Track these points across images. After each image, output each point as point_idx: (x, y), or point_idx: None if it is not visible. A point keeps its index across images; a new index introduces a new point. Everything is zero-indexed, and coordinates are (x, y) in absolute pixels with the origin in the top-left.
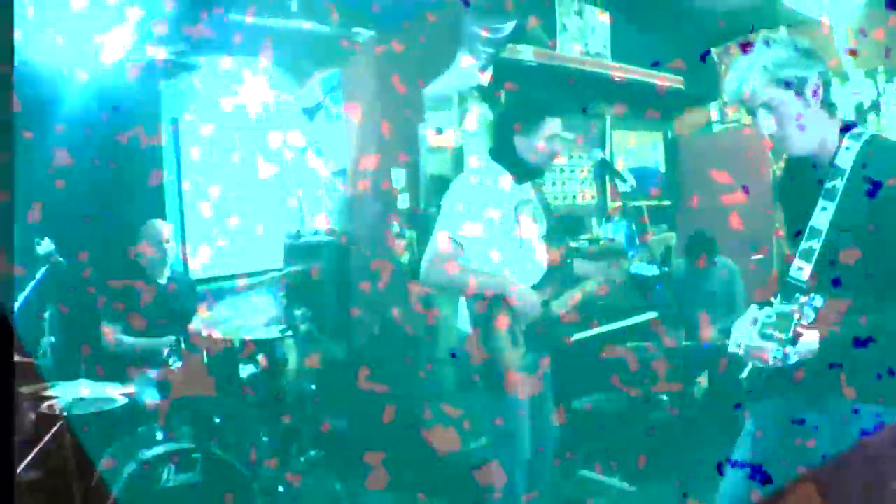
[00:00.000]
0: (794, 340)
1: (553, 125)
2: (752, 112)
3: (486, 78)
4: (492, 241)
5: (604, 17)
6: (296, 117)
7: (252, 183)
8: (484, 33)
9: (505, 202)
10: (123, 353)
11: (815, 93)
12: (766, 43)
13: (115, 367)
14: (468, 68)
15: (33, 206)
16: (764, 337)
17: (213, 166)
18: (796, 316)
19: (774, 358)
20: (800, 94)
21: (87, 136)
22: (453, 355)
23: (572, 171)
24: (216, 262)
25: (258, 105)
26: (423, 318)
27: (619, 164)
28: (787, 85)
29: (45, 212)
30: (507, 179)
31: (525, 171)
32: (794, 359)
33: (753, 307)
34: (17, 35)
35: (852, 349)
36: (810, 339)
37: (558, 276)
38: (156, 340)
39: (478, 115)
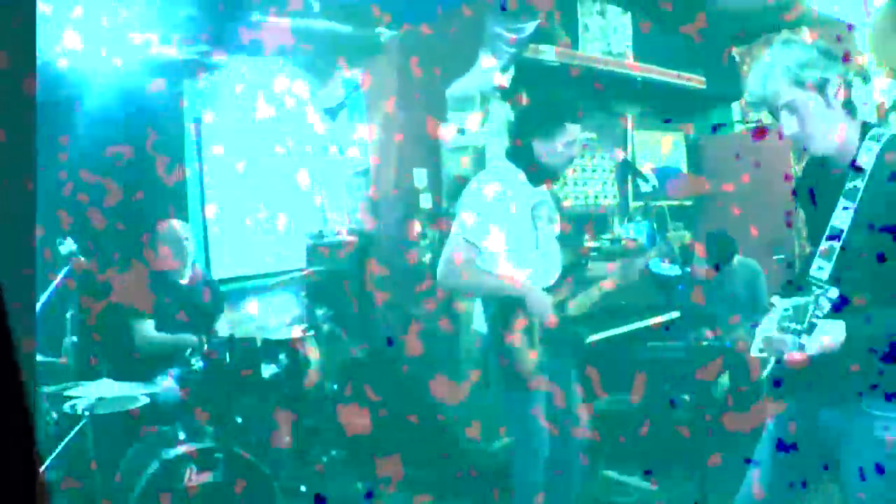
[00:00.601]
0: (809, 330)
1: (573, 131)
2: (774, 113)
3: (506, 78)
4: (507, 242)
5: (626, 18)
6: (318, 117)
7: (274, 182)
8: (506, 33)
9: (520, 204)
10: (153, 351)
11: (836, 93)
12: (788, 44)
13: (137, 366)
14: (490, 68)
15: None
16: (782, 330)
17: (235, 166)
18: (811, 307)
19: (791, 349)
20: (821, 94)
21: (108, 136)
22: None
23: (594, 171)
24: (238, 262)
25: (281, 104)
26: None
27: (646, 167)
28: (809, 86)
29: (67, 211)
30: (522, 181)
31: (542, 174)
32: (811, 350)
33: (775, 300)
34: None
35: (873, 350)
36: (829, 330)
37: (573, 277)
38: (187, 336)
39: (500, 116)
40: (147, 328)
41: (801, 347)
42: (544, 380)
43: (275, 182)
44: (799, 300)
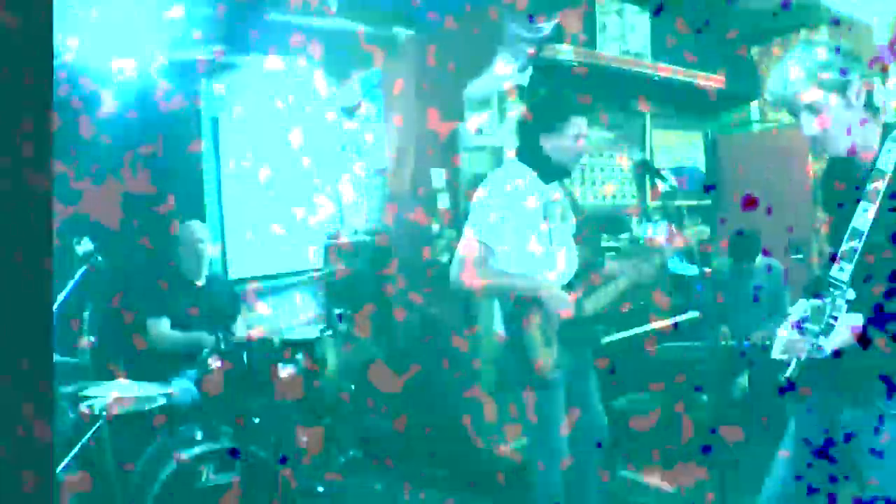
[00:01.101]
0: (826, 331)
1: (579, 124)
2: (794, 113)
3: (524, 78)
4: (520, 242)
5: (644, 17)
6: (335, 116)
7: (291, 182)
8: (524, 33)
9: (532, 203)
10: (167, 349)
11: (857, 94)
12: (809, 44)
13: (154, 366)
14: (508, 68)
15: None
16: (802, 332)
17: (253, 166)
18: (828, 308)
19: (809, 350)
20: (843, 95)
21: (126, 136)
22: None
23: (612, 171)
24: (255, 262)
25: (298, 104)
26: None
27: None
28: (830, 87)
29: (84, 211)
30: (534, 180)
31: (552, 171)
32: (829, 350)
33: (797, 304)
34: (57, 33)
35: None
36: (847, 328)
37: (590, 275)
38: (202, 334)
39: (517, 115)
40: (162, 326)
41: (819, 351)
42: (563, 379)
43: (291, 181)
44: (817, 302)
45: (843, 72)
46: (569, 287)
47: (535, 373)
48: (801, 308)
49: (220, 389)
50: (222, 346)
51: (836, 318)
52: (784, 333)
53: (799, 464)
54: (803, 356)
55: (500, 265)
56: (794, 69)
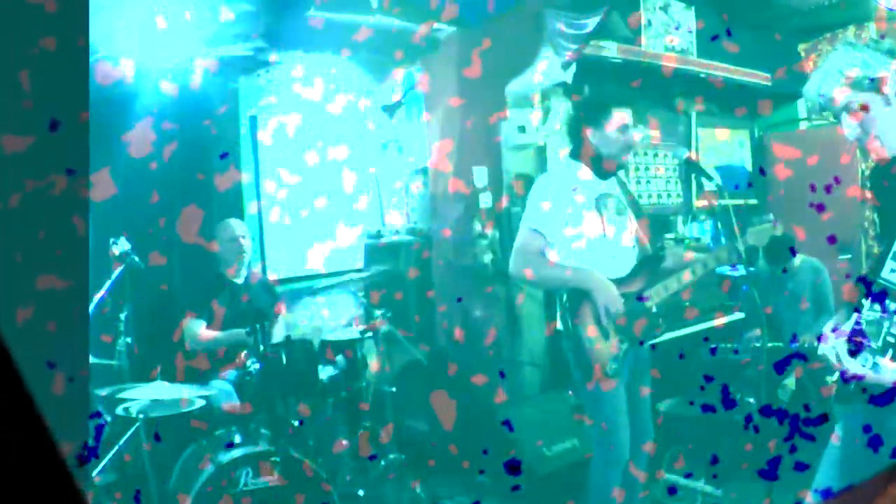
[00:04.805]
0: (884, 350)
1: (622, 116)
2: (836, 115)
3: (568, 75)
4: (575, 235)
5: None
6: (376, 114)
7: (331, 181)
8: (567, 29)
9: (586, 196)
10: (204, 350)
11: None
12: (846, 46)
13: (192, 369)
14: (551, 65)
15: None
16: (856, 347)
17: (292, 164)
18: (886, 324)
19: (863, 364)
20: (880, 94)
21: (163, 134)
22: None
23: (657, 170)
24: (295, 262)
25: (338, 102)
26: (505, 318)
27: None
28: (866, 86)
29: (122, 211)
30: (587, 175)
31: (601, 164)
32: (886, 374)
33: (842, 313)
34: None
35: None
36: None
37: (650, 268)
38: (239, 331)
39: (561, 113)
40: (198, 327)
41: (875, 367)
42: (622, 373)
43: (332, 181)
44: (873, 314)
45: (881, 70)
46: (625, 280)
47: (593, 366)
48: (853, 320)
49: (259, 391)
50: (261, 348)
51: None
52: (831, 339)
53: (843, 468)
54: (858, 372)
55: (557, 257)
56: (828, 74)
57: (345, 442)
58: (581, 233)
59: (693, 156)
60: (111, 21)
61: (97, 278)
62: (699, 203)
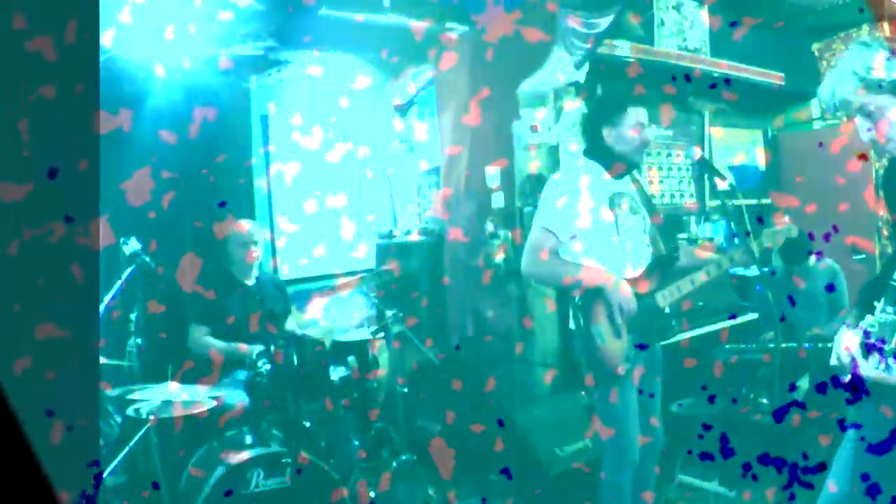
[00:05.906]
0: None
1: (637, 114)
2: (850, 116)
3: (581, 75)
4: (589, 233)
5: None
6: (388, 114)
7: (343, 181)
8: (580, 28)
9: (600, 195)
10: (205, 357)
11: None
12: (860, 47)
13: (203, 369)
14: (563, 64)
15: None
16: (866, 347)
17: (304, 165)
18: None
19: (876, 367)
20: (894, 95)
21: (175, 134)
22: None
23: (670, 170)
24: (307, 263)
25: (350, 101)
26: (517, 319)
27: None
28: (880, 88)
29: (132, 211)
30: (602, 174)
31: (617, 163)
32: None
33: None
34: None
35: None
36: None
37: (663, 268)
38: (240, 345)
39: (574, 112)
40: (201, 333)
41: (889, 369)
42: (634, 373)
43: (344, 180)
44: (886, 316)
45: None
46: (639, 279)
47: (605, 366)
48: (867, 322)
49: (270, 392)
50: (272, 349)
51: None
52: (846, 340)
53: (857, 468)
54: (872, 375)
55: (569, 256)
56: (842, 75)
57: (356, 443)
58: (594, 232)
59: (698, 154)
60: (122, 20)
61: (108, 279)
62: (712, 203)
